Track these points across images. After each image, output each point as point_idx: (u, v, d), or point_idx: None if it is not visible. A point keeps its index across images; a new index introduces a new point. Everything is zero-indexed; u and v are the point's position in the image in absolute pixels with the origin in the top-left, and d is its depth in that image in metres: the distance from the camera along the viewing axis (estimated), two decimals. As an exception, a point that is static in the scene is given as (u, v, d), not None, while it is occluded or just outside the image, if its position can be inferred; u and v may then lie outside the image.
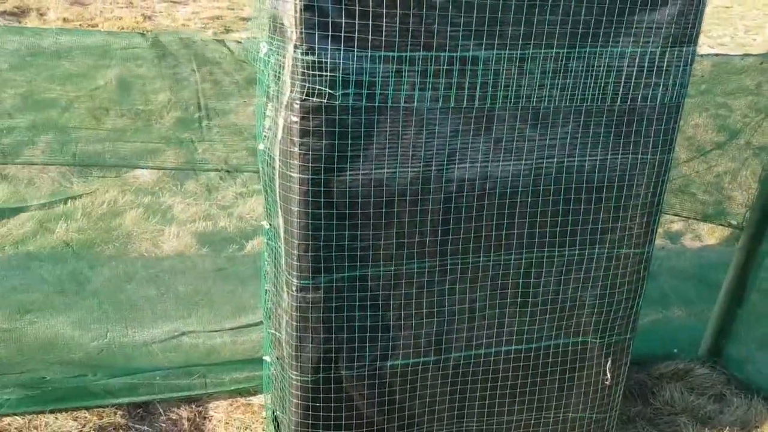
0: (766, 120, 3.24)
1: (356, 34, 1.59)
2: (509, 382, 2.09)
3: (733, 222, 3.25)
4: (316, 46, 1.59)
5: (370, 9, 1.58)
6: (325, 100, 1.63)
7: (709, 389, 3.12)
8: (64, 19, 9.98)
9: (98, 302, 3.08)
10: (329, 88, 1.62)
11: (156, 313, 3.00)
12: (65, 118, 2.86)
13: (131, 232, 4.11)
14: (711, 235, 4.66)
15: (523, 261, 1.96)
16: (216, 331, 2.76)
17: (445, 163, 1.80)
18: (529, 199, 1.89)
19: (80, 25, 9.87)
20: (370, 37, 1.60)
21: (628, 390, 3.06)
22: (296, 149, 1.68)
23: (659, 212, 2.04)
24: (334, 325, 1.85)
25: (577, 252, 1.99)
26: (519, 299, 2.01)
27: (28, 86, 2.65)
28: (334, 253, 1.78)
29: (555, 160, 1.87)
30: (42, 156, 3.03)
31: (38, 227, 3.98)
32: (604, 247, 2.00)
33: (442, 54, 1.67)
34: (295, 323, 1.84)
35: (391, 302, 1.89)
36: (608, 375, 2.15)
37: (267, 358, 2.10)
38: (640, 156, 1.93)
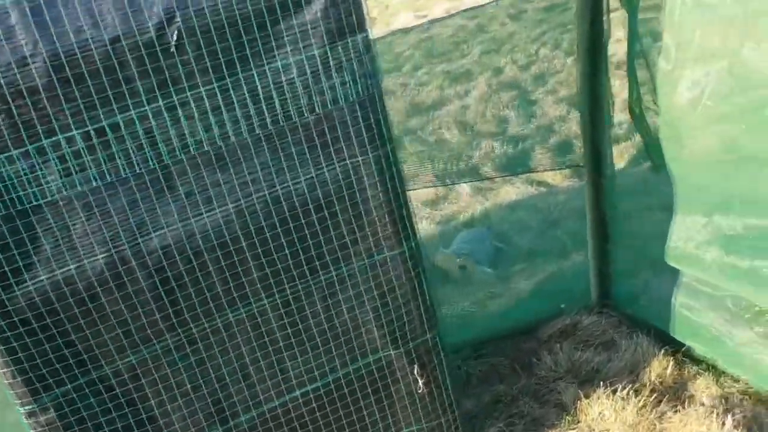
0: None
1: (-39, 148, 1.48)
2: (317, 424, 1.97)
3: (579, 162, 3.13)
4: (-76, 173, 1.47)
5: (-37, 118, 1.47)
6: (-44, 225, 1.51)
7: (599, 338, 2.98)
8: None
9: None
10: (-46, 212, 1.50)
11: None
12: None
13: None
14: (620, 158, 4.47)
15: (275, 303, 1.84)
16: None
17: (138, 236, 1.68)
18: (246, 242, 1.77)
19: None
20: (-26, 146, 1.49)
21: (513, 365, 2.93)
22: (-41, 280, 1.56)
23: (404, 206, 1.92)
24: (83, 438, 1.73)
25: (325, 276, 1.87)
26: (290, 340, 1.89)
27: None
28: (46, 369, 1.66)
29: (256, 195, 1.76)
30: None
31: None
32: (353, 261, 1.88)
33: (70, 134, 1.56)
34: (41, 450, 1.72)
35: (141, 393, 1.77)
36: (420, 382, 2.03)
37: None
38: (350, 160, 1.81)
